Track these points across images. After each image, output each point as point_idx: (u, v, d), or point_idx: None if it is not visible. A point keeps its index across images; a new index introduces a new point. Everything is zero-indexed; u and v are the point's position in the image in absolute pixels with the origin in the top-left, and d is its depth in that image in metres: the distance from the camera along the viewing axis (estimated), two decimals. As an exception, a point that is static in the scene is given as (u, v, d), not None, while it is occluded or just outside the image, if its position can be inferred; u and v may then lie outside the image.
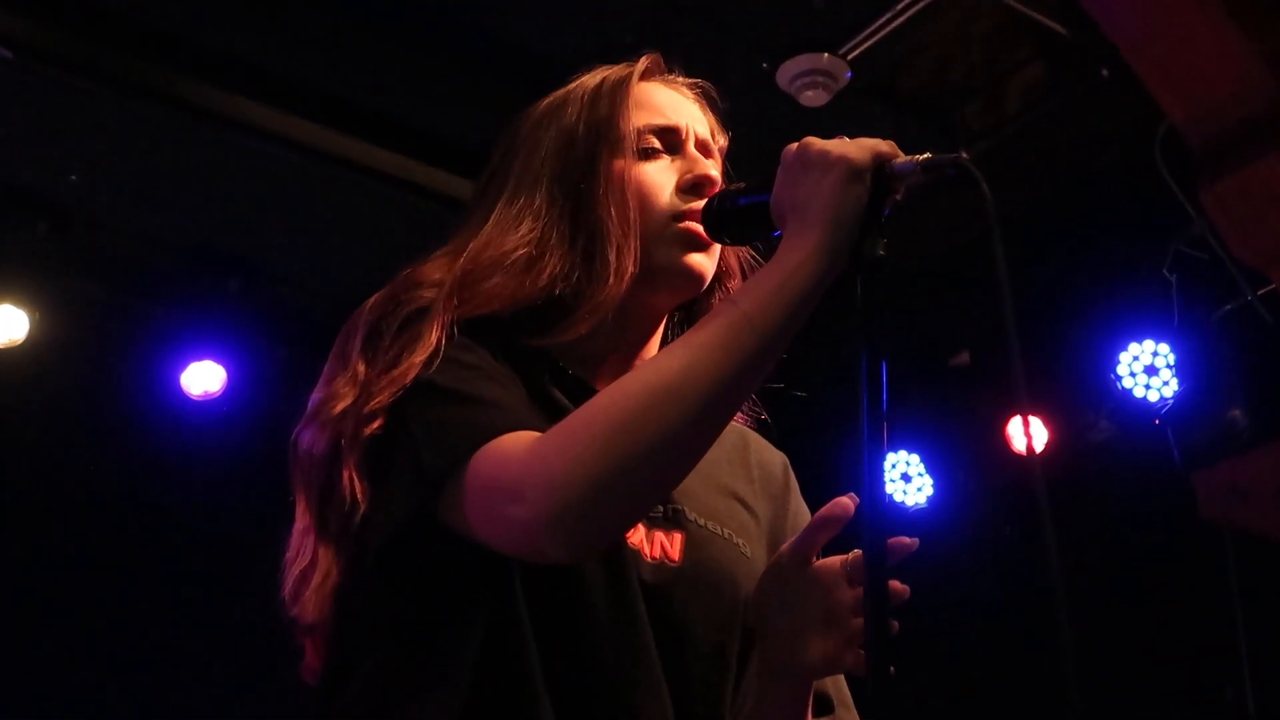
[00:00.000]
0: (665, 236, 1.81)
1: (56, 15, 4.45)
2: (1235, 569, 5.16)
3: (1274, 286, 4.55)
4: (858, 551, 1.67)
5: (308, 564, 1.72)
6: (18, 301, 5.21)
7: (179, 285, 5.52)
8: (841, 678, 1.90)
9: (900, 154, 1.58)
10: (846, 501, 1.67)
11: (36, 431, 5.71)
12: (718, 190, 1.83)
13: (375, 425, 1.63)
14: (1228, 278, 4.77)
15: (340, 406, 1.67)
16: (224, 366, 5.54)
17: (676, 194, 1.84)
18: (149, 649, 5.78)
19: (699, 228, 1.81)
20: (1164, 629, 5.35)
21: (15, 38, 4.46)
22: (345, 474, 1.64)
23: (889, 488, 5.80)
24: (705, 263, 1.83)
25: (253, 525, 5.73)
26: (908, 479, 5.85)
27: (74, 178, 5.15)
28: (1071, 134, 4.97)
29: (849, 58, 4.57)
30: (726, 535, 1.81)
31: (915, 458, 5.88)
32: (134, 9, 4.47)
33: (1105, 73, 4.57)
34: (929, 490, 5.86)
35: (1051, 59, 4.69)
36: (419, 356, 1.66)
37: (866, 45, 4.53)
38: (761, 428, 2.02)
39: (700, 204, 1.82)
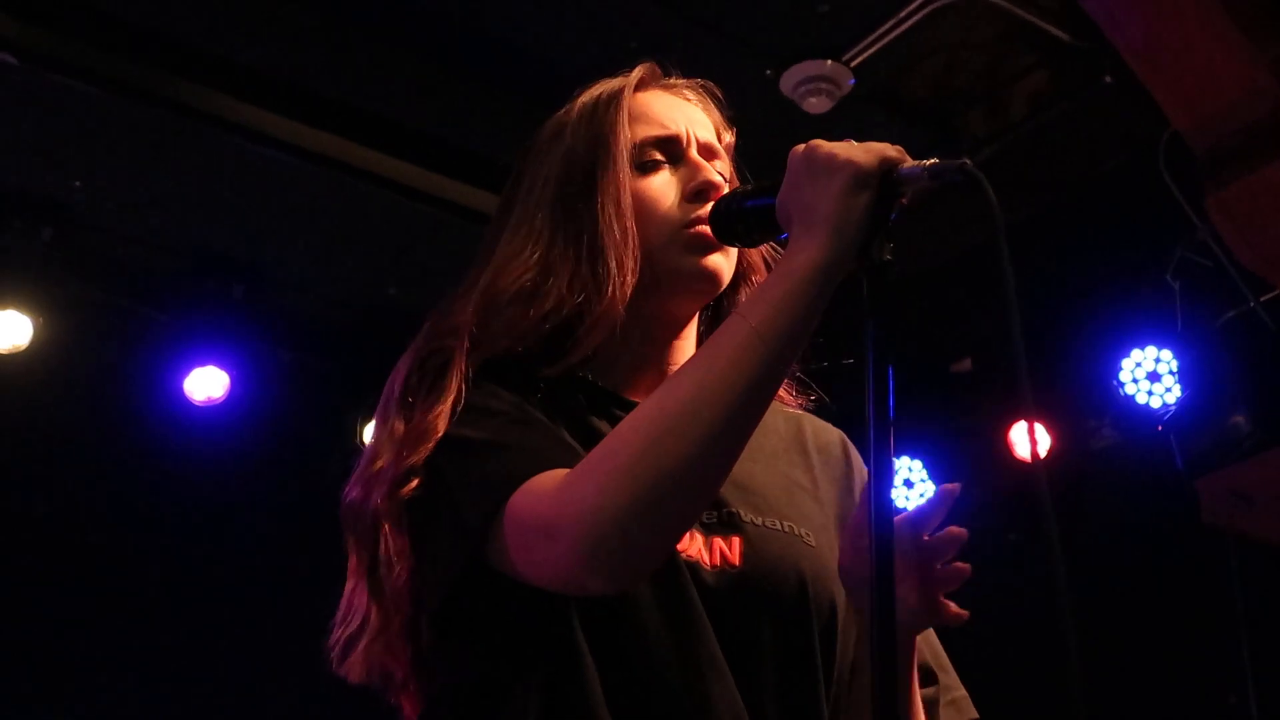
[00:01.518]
0: (676, 243, 1.81)
1: (61, 21, 4.46)
2: (1238, 575, 5.16)
3: (1278, 292, 4.55)
4: (944, 487, 1.73)
5: (358, 625, 1.74)
6: (21, 307, 5.21)
7: (183, 291, 5.53)
8: (937, 644, 1.92)
9: (908, 158, 1.57)
10: (953, 488, 1.72)
11: (39, 437, 5.71)
12: (723, 194, 1.83)
13: (412, 485, 1.66)
14: (1231, 284, 4.77)
15: (380, 465, 1.70)
16: (227, 372, 5.54)
17: (682, 203, 1.84)
18: (152, 654, 5.78)
19: (709, 233, 1.80)
20: (1167, 635, 5.34)
21: (20, 43, 4.46)
22: (384, 533, 1.67)
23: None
24: (721, 262, 1.83)
25: (256, 530, 5.77)
26: (910, 485, 5.85)
27: (78, 183, 5.15)
28: (1075, 140, 4.97)
29: (853, 64, 4.57)
30: (787, 529, 1.80)
31: (918, 463, 5.88)
32: (139, 15, 4.48)
33: (1109, 79, 4.58)
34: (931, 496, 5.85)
35: (1055, 66, 4.69)
36: (443, 408, 1.69)
37: (870, 52, 4.53)
38: (819, 406, 2.01)
39: (707, 209, 1.81)
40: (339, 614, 1.78)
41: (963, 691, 1.90)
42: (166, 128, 4.86)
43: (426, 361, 1.75)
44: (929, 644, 1.89)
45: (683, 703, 1.64)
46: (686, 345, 1.90)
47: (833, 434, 2.01)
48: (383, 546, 1.67)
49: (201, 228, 5.45)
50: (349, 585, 1.77)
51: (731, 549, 1.74)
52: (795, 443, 1.94)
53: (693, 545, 1.71)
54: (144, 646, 5.78)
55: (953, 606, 1.70)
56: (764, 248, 1.93)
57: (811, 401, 1.99)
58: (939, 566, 1.71)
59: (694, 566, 1.70)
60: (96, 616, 5.75)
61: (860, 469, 1.98)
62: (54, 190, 5.18)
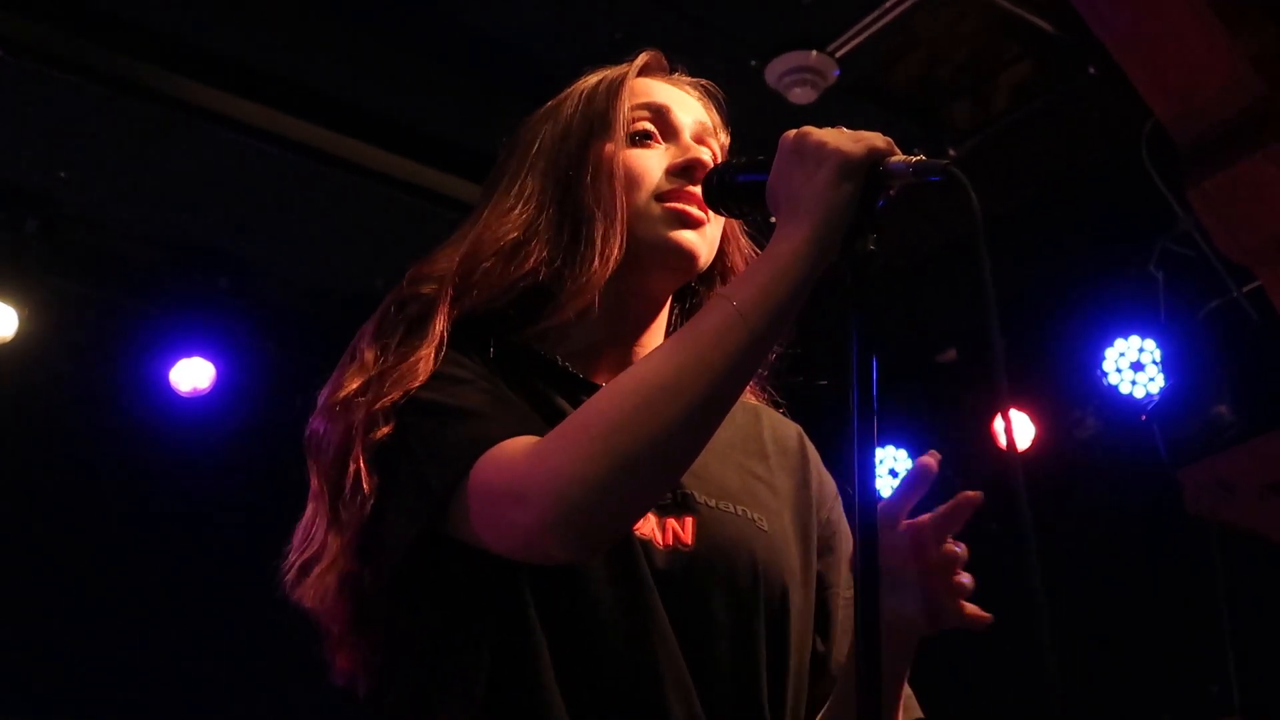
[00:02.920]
0: (652, 216, 1.82)
1: (47, 12, 4.46)
2: (1220, 564, 5.18)
3: (1260, 283, 4.56)
4: (949, 504, 1.67)
5: (315, 550, 1.73)
6: (7, 299, 5.20)
7: (168, 282, 5.53)
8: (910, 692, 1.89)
9: (897, 151, 1.57)
10: (929, 460, 1.65)
11: (25, 429, 5.70)
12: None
13: (388, 428, 1.66)
14: (1214, 274, 4.79)
15: (346, 393, 1.69)
16: (213, 363, 5.54)
17: (666, 176, 1.85)
18: (138, 644, 5.77)
19: (688, 208, 1.82)
20: (1150, 624, 5.37)
21: (5, 34, 4.45)
22: (353, 468, 1.65)
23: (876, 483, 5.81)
24: (695, 240, 1.83)
25: (242, 521, 5.76)
26: (895, 475, 5.87)
27: (63, 175, 5.15)
28: (1059, 132, 4.98)
29: (837, 55, 4.58)
30: (741, 512, 1.80)
31: (903, 453, 5.89)
32: (124, 7, 4.47)
33: (1093, 71, 4.59)
34: (916, 486, 5.87)
35: (1039, 57, 4.70)
36: (427, 351, 1.69)
37: (855, 43, 4.54)
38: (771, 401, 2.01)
39: (690, 187, 1.83)
40: (296, 538, 1.77)
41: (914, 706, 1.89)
42: (152, 119, 4.85)
43: (408, 304, 1.75)
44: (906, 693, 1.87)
45: (630, 677, 1.65)
46: (657, 331, 1.90)
47: (790, 428, 2.01)
48: (348, 478, 1.66)
49: (187, 219, 5.45)
50: (309, 511, 1.76)
51: (684, 529, 1.74)
52: (752, 435, 1.94)
53: (645, 524, 1.71)
54: (129, 637, 5.77)
55: (970, 608, 1.64)
56: (746, 250, 1.96)
57: (798, 383, 1.99)
58: (939, 551, 1.66)
59: (647, 545, 1.71)
60: (82, 607, 5.74)
61: (817, 464, 1.99)
62: (39, 182, 5.17)
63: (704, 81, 2.00)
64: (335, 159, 5.01)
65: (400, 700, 1.73)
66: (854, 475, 1.45)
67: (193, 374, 5.53)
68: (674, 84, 1.97)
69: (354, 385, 1.69)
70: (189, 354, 5.52)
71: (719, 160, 1.91)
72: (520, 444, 1.58)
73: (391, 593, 1.68)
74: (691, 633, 1.69)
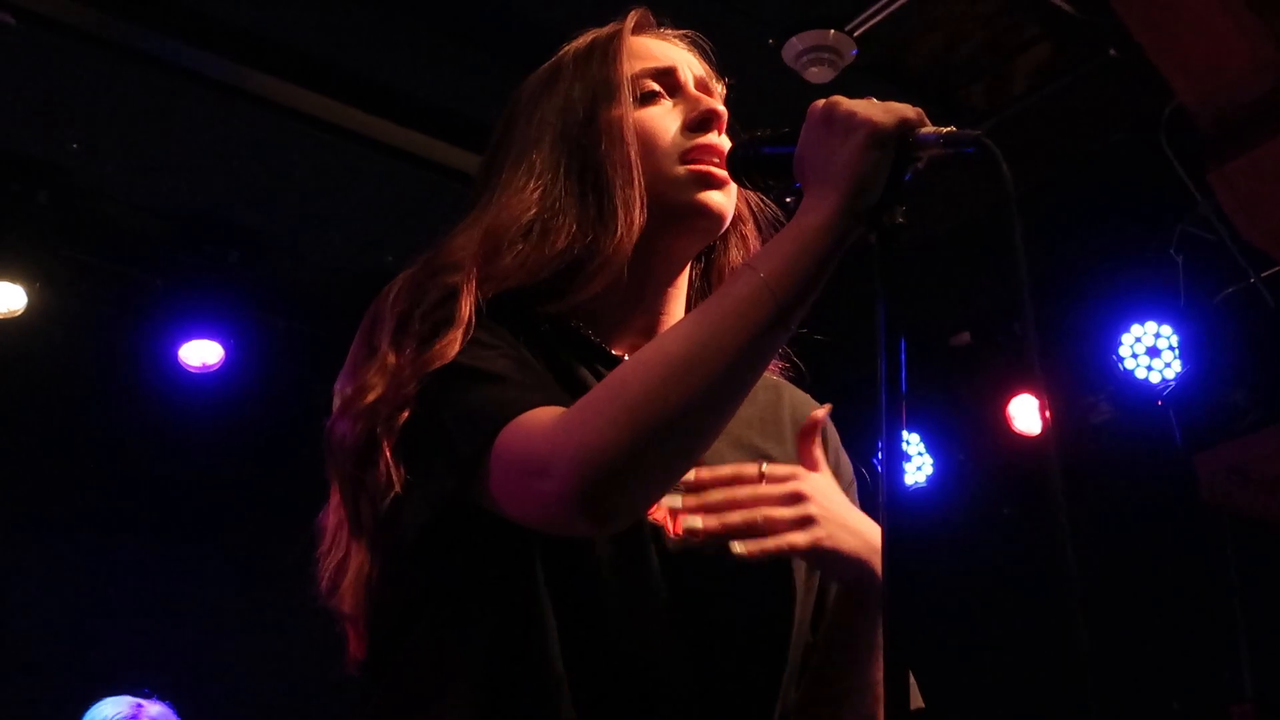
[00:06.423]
0: (677, 179, 1.81)
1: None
2: (1234, 551, 5.16)
3: (1278, 269, 4.54)
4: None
5: (343, 555, 1.72)
6: (17, 271, 5.19)
7: (179, 256, 5.51)
8: None
9: (927, 122, 1.56)
10: (818, 413, 1.76)
11: (35, 402, 5.70)
12: (725, 123, 1.84)
13: (409, 412, 1.63)
14: (1232, 260, 4.76)
15: (372, 397, 1.65)
16: (222, 342, 5.53)
17: (683, 132, 1.84)
18: (145, 620, 5.78)
19: (712, 168, 1.81)
20: (1162, 611, 5.35)
21: (18, 4, 4.43)
22: (383, 462, 1.63)
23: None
24: (722, 201, 1.82)
25: (250, 497, 5.75)
26: (908, 458, 5.85)
27: (75, 146, 5.13)
28: (1078, 114, 4.95)
29: (855, 34, 4.55)
30: None
31: (915, 437, 5.87)
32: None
33: (1113, 53, 4.56)
34: (929, 469, 5.86)
35: (1059, 39, 4.67)
36: (452, 337, 1.66)
37: (873, 22, 4.51)
38: (795, 374, 1.99)
39: (709, 139, 1.82)
40: (321, 549, 1.75)
41: None
42: (164, 92, 4.83)
43: (429, 293, 1.71)
44: None
45: (633, 666, 1.64)
46: (678, 296, 1.89)
47: (812, 408, 1.95)
48: (374, 479, 1.63)
49: (198, 192, 5.43)
50: (331, 520, 1.74)
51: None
52: (771, 415, 1.92)
53: (658, 511, 1.70)
54: (136, 614, 5.78)
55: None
56: (752, 198, 1.93)
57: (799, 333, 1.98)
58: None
59: (658, 531, 1.69)
60: (91, 584, 5.75)
61: (835, 447, 1.96)
62: (51, 154, 5.15)
63: (689, 32, 1.99)
64: (348, 132, 4.99)
65: (401, 681, 1.70)
66: (881, 453, 1.43)
67: (202, 350, 5.52)
68: (663, 39, 1.96)
69: (378, 387, 1.65)
70: (198, 329, 5.51)
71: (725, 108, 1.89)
72: (546, 414, 1.57)
73: (405, 565, 1.66)
74: (696, 622, 1.68)
